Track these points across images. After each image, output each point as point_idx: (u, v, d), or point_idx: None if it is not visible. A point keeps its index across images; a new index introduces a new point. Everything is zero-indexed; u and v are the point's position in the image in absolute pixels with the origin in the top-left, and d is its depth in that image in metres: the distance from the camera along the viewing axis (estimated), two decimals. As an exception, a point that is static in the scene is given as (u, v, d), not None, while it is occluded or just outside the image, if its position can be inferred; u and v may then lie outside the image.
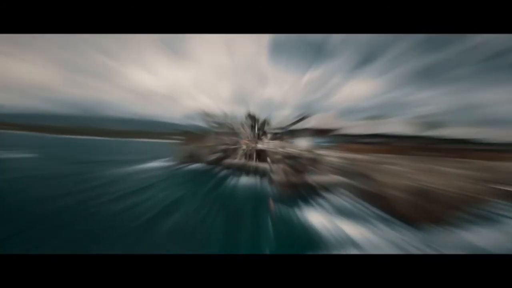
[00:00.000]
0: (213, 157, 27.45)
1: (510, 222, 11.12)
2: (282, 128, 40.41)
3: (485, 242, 9.00)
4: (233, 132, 31.81)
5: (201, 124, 32.19)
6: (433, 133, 22.72)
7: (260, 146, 26.92)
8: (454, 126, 27.81)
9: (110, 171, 23.40)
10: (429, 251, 7.81)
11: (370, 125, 24.47)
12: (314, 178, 16.69)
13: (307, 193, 15.46)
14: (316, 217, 11.01)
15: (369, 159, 16.78)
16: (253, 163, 24.00)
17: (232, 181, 19.93)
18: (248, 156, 25.80)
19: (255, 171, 22.65)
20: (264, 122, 52.50)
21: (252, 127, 37.80)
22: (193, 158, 29.69)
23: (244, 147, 26.46)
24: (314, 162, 19.03)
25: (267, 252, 7.02)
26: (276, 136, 42.45)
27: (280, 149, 22.38)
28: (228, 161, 26.23)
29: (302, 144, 24.64)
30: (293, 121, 39.87)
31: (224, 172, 24.75)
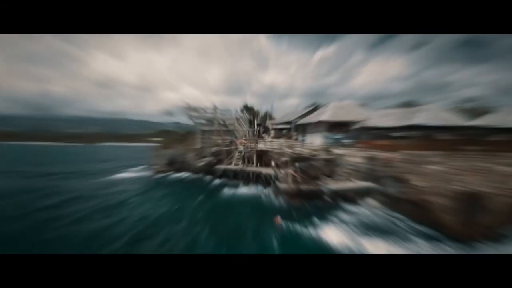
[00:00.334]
0: (201, 163, 27.18)
1: None
2: (288, 123, 40.10)
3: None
4: (226, 130, 31.62)
5: (185, 121, 31.99)
6: (481, 122, 22.39)
7: (261, 146, 26.67)
8: (508, 112, 27.55)
9: (70, 186, 23.26)
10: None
11: (401, 114, 24.22)
12: (333, 185, 16.43)
13: (325, 206, 15.26)
14: (336, 237, 10.73)
15: (402, 159, 16.53)
16: (253, 168, 23.75)
17: (226, 193, 19.75)
18: (247, 159, 25.52)
19: (256, 179, 22.45)
20: (266, 116, 52.33)
21: (251, 123, 37.44)
22: (175, 165, 29.50)
23: (241, 148, 26.18)
24: (332, 165, 18.80)
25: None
26: (281, 133, 42.18)
27: (287, 149, 22.20)
28: (221, 167, 26.00)
29: (315, 142, 24.42)
30: (303, 112, 39.60)
31: (216, 182, 24.56)
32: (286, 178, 17.42)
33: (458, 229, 10.50)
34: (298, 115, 35.84)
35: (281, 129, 41.69)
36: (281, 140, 28.29)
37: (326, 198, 15.54)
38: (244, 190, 20.67)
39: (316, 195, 15.87)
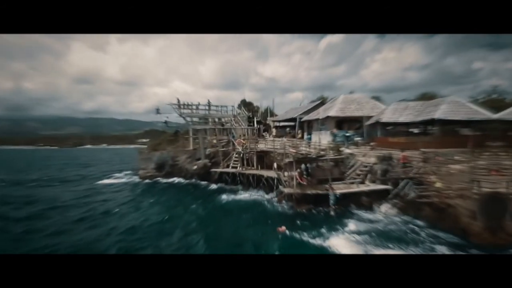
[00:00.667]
0: (194, 166, 27.15)
1: None
2: (292, 119, 39.88)
3: None
4: (223, 129, 31.56)
5: (175, 119, 31.89)
6: (510, 115, 22.28)
7: (261, 146, 26.63)
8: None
9: (45, 195, 23.20)
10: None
11: (419, 108, 24.14)
12: (343, 188, 16.39)
13: (334, 212, 15.20)
14: (348, 249, 10.65)
15: (422, 158, 16.48)
16: (253, 171, 23.71)
17: (223, 201, 19.73)
18: (246, 161, 25.49)
19: (257, 184, 22.42)
20: (266, 112, 52.22)
21: (250, 120, 37.36)
22: (165, 169, 29.47)
23: (239, 148, 26.13)
24: (342, 166, 18.75)
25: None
26: (284, 131, 41.96)
27: (291, 149, 22.15)
28: (218, 170, 25.97)
29: (322, 140, 24.38)
30: (308, 108, 39.45)
31: (212, 188, 24.53)
32: (290, 182, 17.38)
33: (486, 236, 10.43)
34: (303, 111, 35.81)
35: (284, 127, 41.62)
36: (284, 139, 28.24)
37: (336, 203, 15.50)
38: (243, 196, 20.64)
39: (323, 200, 15.82)
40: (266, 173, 21.81)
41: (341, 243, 11.02)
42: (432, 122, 22.17)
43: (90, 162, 62.63)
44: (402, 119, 23.72)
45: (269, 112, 48.39)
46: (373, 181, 17.00)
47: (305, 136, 31.42)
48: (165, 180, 28.39)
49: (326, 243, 11.12)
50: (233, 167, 25.56)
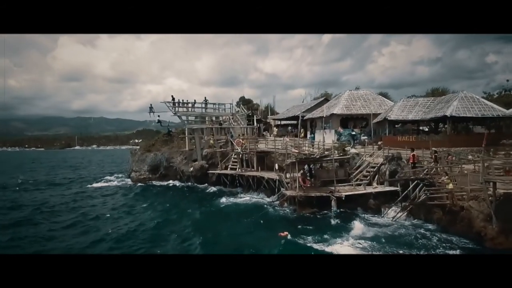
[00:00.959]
0: (191, 168, 27.13)
1: None
2: (294, 118, 39.78)
3: None
4: (220, 128, 31.52)
5: (170, 118, 31.88)
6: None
7: (262, 146, 26.62)
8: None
9: (35, 197, 23.14)
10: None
11: (430, 105, 24.13)
12: (348, 190, 16.37)
13: (339, 216, 15.20)
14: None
15: (432, 157, 16.43)
16: (254, 172, 23.69)
17: (221, 204, 19.73)
18: (245, 162, 25.47)
19: (257, 186, 22.40)
20: (267, 110, 52.18)
21: (249, 119, 37.26)
22: (159, 171, 29.44)
23: (238, 149, 26.10)
24: (348, 167, 18.74)
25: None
26: (285, 130, 41.90)
27: (294, 149, 22.14)
28: (216, 172, 25.96)
29: (326, 139, 24.36)
30: (311, 105, 39.36)
31: (209, 190, 24.51)
32: (293, 184, 17.36)
33: (501, 240, 10.41)
34: (305, 109, 35.80)
35: (286, 126, 41.60)
36: (286, 139, 28.24)
37: (341, 205, 15.48)
38: (243, 199, 20.65)
39: (327, 203, 15.80)
40: (267, 174, 21.79)
41: (346, 251, 10.95)
42: (443, 119, 22.16)
43: (79, 164, 62.67)
44: (411, 116, 23.71)
45: (269, 110, 48.39)
46: (381, 183, 16.98)
47: (308, 135, 31.41)
48: (159, 183, 28.37)
49: (330, 250, 11.07)
50: (231, 169, 25.53)
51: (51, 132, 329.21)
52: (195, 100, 30.71)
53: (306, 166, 17.98)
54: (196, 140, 28.08)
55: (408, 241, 11.71)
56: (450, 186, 12.84)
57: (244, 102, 48.60)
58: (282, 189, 18.43)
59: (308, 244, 11.68)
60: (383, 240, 11.76)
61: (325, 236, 12.41)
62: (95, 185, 29.78)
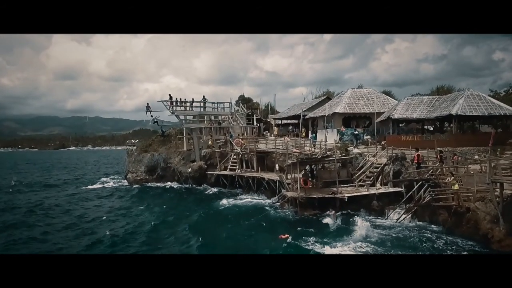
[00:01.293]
0: (189, 169, 27.15)
1: None
2: (295, 117, 39.87)
3: None
4: (219, 127, 31.54)
5: (167, 118, 31.89)
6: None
7: (262, 146, 26.63)
8: None
9: (29, 199, 23.14)
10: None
11: (435, 103, 24.11)
12: (351, 191, 16.37)
13: (341, 218, 15.21)
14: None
15: (437, 157, 16.44)
16: (254, 173, 23.70)
17: (220, 205, 19.73)
18: (245, 163, 25.48)
19: (258, 187, 22.44)
20: (267, 109, 52.31)
21: (249, 118, 37.26)
22: (156, 172, 29.44)
23: (237, 149, 26.11)
24: (350, 167, 18.74)
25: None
26: (286, 130, 42.00)
27: (295, 149, 22.13)
28: (215, 173, 25.98)
29: (328, 139, 24.37)
30: (313, 104, 39.45)
31: (208, 192, 24.51)
32: (294, 185, 17.36)
33: (509, 242, 10.43)
34: (307, 108, 35.81)
35: (286, 125, 41.66)
36: (287, 138, 28.25)
37: (343, 207, 15.47)
38: (242, 201, 20.67)
39: (329, 204, 15.80)
40: (267, 175, 21.81)
41: (349, 253, 10.96)
42: (449, 118, 22.13)
43: (75, 165, 62.67)
44: (415, 115, 23.71)
45: (270, 109, 48.44)
46: (385, 184, 16.98)
47: (310, 135, 31.40)
48: (156, 185, 28.37)
49: (332, 253, 11.02)
50: (231, 170, 25.56)
51: (45, 132, 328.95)
52: (193, 99, 30.74)
53: (307, 167, 17.96)
54: (194, 140, 28.09)
55: (413, 244, 11.72)
56: (456, 187, 12.84)
57: (244, 101, 48.65)
58: (283, 190, 18.44)
59: (309, 247, 11.69)
60: (387, 243, 11.77)
61: (327, 239, 12.42)
62: (90, 186, 29.78)
